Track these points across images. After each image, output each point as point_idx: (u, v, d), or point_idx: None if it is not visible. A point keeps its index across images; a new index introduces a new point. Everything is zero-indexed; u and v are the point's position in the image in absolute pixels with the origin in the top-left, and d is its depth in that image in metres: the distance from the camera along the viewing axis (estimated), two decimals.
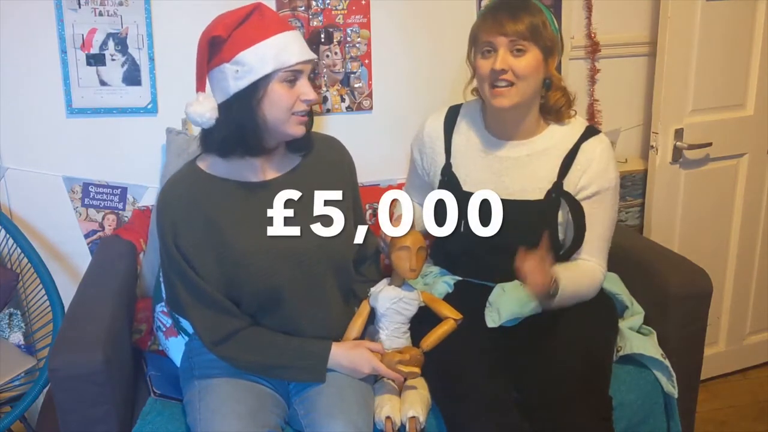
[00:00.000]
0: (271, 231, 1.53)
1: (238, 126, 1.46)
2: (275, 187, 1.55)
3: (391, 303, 1.63)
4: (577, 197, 1.67)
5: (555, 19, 1.65)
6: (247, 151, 1.50)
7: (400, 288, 1.64)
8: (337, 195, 1.61)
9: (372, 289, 1.66)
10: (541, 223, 1.68)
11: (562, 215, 1.68)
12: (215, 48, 1.44)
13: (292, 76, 1.44)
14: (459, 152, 1.76)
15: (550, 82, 1.67)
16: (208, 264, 1.50)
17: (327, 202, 1.59)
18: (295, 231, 1.53)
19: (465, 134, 1.77)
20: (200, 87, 1.47)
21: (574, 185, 1.67)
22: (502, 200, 1.68)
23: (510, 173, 1.70)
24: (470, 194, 1.71)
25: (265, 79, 1.42)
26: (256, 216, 1.53)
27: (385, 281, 1.67)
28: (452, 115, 1.80)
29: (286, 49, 1.42)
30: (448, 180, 1.76)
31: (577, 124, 1.72)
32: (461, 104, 1.82)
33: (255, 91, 1.42)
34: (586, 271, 1.68)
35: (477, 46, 1.64)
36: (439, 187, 1.78)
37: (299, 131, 1.49)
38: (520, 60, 1.57)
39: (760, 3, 2.24)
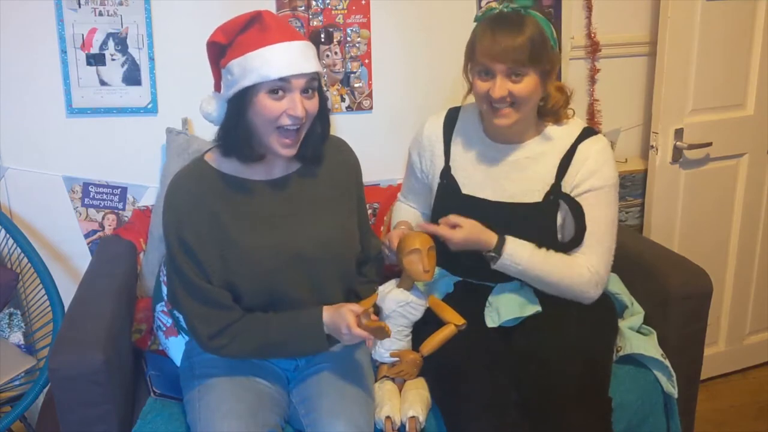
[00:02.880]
0: (274, 230, 1.53)
1: (230, 129, 1.48)
2: (281, 186, 1.56)
3: (398, 306, 1.63)
4: (572, 194, 1.66)
5: (554, 28, 1.61)
6: (240, 156, 1.50)
7: (409, 292, 1.64)
8: (342, 196, 1.61)
9: (380, 288, 1.65)
10: (540, 225, 1.68)
11: (561, 217, 1.68)
12: (218, 52, 1.46)
13: (278, 89, 1.41)
14: (458, 155, 1.76)
15: (548, 94, 1.66)
16: (211, 258, 1.50)
17: (332, 203, 1.59)
18: (298, 231, 1.54)
19: (464, 138, 1.77)
20: (215, 86, 1.51)
21: (571, 185, 1.66)
22: (501, 203, 1.68)
23: (509, 176, 1.70)
24: (470, 197, 1.71)
25: (251, 90, 1.41)
26: (260, 214, 1.53)
27: (393, 282, 1.66)
28: (451, 118, 1.80)
29: (272, 61, 1.39)
30: (447, 183, 1.76)
31: (574, 126, 1.71)
32: (460, 107, 1.82)
33: (242, 99, 1.43)
34: (568, 261, 1.66)
35: (474, 64, 1.61)
36: (438, 191, 1.78)
37: (283, 152, 1.46)
38: (518, 84, 1.56)
39: (760, 3, 2.24)
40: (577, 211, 1.66)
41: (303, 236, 1.54)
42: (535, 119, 1.70)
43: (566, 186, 1.67)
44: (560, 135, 1.69)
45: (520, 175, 1.69)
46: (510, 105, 1.58)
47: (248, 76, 1.40)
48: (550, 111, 1.69)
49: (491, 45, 1.54)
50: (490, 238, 1.62)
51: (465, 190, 1.73)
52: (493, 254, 1.62)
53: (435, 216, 1.79)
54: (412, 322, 1.66)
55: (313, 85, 1.45)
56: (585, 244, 1.66)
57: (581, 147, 1.67)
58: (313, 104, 1.46)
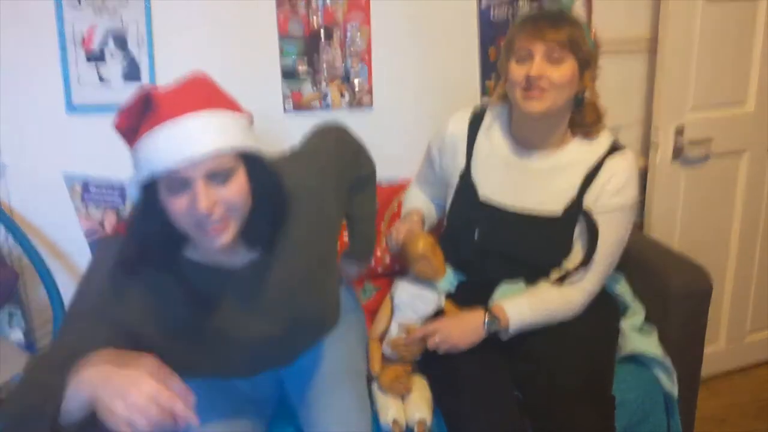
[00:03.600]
0: (241, 326, 1.32)
1: (142, 229, 1.20)
2: (245, 274, 1.29)
3: (408, 297, 1.63)
4: (592, 210, 1.63)
5: (592, 34, 1.61)
6: (156, 264, 1.22)
7: (422, 285, 1.64)
8: (319, 234, 1.39)
9: (398, 278, 1.67)
10: (556, 239, 1.66)
11: (577, 232, 1.66)
12: (127, 136, 1.16)
13: (175, 184, 1.10)
14: (480, 158, 1.72)
15: (582, 98, 1.63)
16: (159, 346, 1.20)
17: (310, 263, 1.37)
18: (270, 320, 1.34)
19: (488, 140, 1.73)
20: None
21: (593, 200, 1.63)
22: (519, 213, 1.66)
23: (530, 185, 1.67)
24: (486, 203, 1.69)
25: (150, 186, 1.13)
26: (226, 310, 1.30)
27: (411, 274, 1.66)
28: (477, 118, 1.76)
29: (157, 149, 1.08)
30: (465, 185, 1.73)
31: (602, 140, 1.67)
32: (486, 107, 1.78)
33: (150, 195, 1.14)
34: (563, 294, 1.64)
35: (512, 52, 1.59)
36: (455, 192, 1.76)
37: (214, 245, 1.15)
38: (556, 69, 1.53)
39: (761, 1, 2.23)
40: (592, 233, 1.62)
41: (275, 324, 1.35)
42: (565, 129, 1.67)
43: (588, 201, 1.63)
44: (588, 148, 1.66)
45: (543, 185, 1.66)
46: (543, 92, 1.54)
47: (140, 171, 1.12)
48: (582, 124, 1.65)
49: (534, 28, 1.54)
50: (475, 317, 1.60)
51: (482, 195, 1.71)
52: (499, 325, 1.60)
53: (452, 216, 1.78)
54: (421, 317, 1.65)
55: (225, 168, 1.11)
56: (589, 264, 1.64)
57: (608, 162, 1.63)
58: (230, 191, 1.13)
